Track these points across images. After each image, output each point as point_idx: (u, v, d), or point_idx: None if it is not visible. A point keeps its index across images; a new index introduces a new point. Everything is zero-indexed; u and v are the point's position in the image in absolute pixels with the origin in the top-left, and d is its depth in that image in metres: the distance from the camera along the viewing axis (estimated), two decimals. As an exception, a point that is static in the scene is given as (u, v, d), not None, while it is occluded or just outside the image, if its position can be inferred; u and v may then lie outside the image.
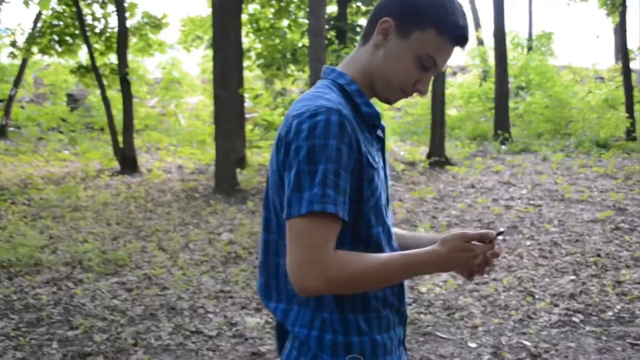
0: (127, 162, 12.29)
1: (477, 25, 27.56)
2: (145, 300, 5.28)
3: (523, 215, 7.93)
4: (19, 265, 6.13)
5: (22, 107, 20.87)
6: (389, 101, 1.59)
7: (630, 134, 14.89)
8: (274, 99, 14.06)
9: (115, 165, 12.59)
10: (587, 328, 4.54)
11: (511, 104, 17.59)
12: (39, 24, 16.40)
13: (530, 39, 27.04)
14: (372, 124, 1.55)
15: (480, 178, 10.61)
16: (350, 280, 1.39)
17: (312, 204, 1.35)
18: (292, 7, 16.53)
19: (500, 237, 1.47)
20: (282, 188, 1.44)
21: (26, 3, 15.29)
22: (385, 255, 1.44)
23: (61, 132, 17.83)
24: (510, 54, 20.76)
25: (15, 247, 6.60)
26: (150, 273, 5.99)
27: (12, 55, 16.45)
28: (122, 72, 12.77)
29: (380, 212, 1.51)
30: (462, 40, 1.52)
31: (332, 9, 16.20)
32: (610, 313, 4.79)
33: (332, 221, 1.37)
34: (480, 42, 25.66)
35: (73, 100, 21.59)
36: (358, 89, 1.54)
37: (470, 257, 1.43)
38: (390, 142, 14.97)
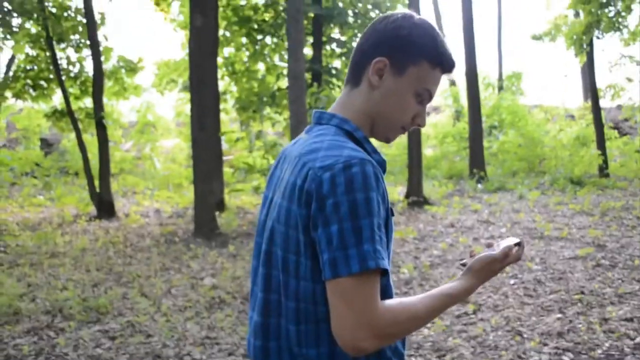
0: (104, 206, 12.15)
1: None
2: (129, 349, 5.17)
3: (505, 253, 7.97)
4: (-3, 315, 5.98)
5: (-5, 152, 20.64)
6: (389, 140, 1.59)
7: (602, 171, 15.14)
8: (252, 142, 14.10)
9: (92, 210, 12.44)
10: (578, 367, 4.53)
11: (485, 143, 17.83)
12: (13, 68, 16.35)
13: (500, 79, 27.57)
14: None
15: (459, 217, 10.67)
16: (402, 330, 1.38)
17: (365, 261, 1.30)
18: (267, 51, 16.70)
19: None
20: (306, 245, 1.38)
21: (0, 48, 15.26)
22: (424, 296, 1.43)
23: (35, 177, 17.63)
24: (482, 94, 21.10)
25: (-8, 296, 6.44)
26: (133, 320, 5.88)
27: (-15, 100, 16.32)
28: (98, 116, 12.72)
29: (390, 259, 1.50)
30: (452, 67, 1.55)
31: (307, 51, 16.40)
32: (599, 351, 4.80)
33: (378, 276, 1.34)
34: (452, 82, 26.07)
35: (47, 145, 21.41)
36: (364, 136, 1.52)
37: (499, 271, 1.59)
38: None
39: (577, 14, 17.16)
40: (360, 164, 1.35)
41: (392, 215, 1.46)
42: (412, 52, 1.50)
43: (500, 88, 26.47)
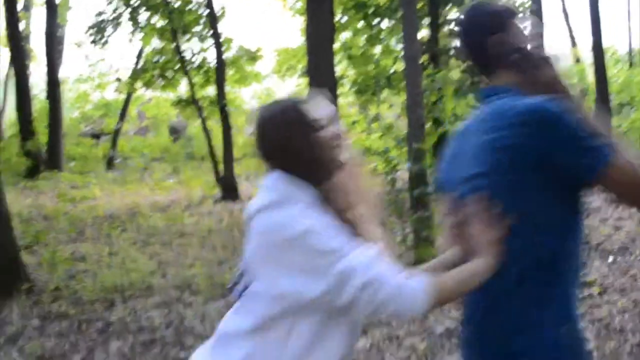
0: (228, 189, 12.60)
1: (573, 44, 26.79)
2: (252, 323, 5.37)
3: (634, 236, 7.59)
4: (131, 289, 6.39)
5: (128, 140, 21.92)
6: None
7: None
8: (369, 125, 14.15)
9: (217, 192, 12.93)
10: None
11: (614, 122, 16.95)
12: (142, 60, 17.25)
13: (631, 53, 26.03)
14: None
15: (586, 199, 10.24)
16: None
17: (609, 151, 1.59)
18: (383, 34, 16.65)
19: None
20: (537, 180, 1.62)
21: (130, 41, 16.16)
22: None
23: (164, 162, 18.55)
24: (610, 71, 20.04)
25: (127, 272, 6.89)
26: (255, 296, 6.10)
27: (118, 91, 17.36)
28: (221, 103, 13.18)
29: None
30: None
31: (424, 33, 16.19)
32: None
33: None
34: (577, 59, 24.94)
35: (174, 132, 22.47)
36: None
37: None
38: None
39: None
40: (553, 99, 1.61)
41: None
42: None
43: (631, 63, 24.99)
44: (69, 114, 23.77)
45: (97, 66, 19.26)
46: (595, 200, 10.03)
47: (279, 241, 1.63)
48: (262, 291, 1.68)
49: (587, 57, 22.70)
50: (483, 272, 1.64)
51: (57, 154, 16.79)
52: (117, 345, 4.96)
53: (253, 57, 16.55)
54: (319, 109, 1.77)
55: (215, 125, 16.00)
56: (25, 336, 5.22)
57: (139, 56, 18.09)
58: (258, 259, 1.70)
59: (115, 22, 14.95)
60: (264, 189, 1.76)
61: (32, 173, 15.71)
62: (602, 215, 8.87)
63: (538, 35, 1.80)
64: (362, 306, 1.57)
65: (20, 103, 16.34)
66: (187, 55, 14.86)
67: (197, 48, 15.36)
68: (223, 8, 15.28)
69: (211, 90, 15.36)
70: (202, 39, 15.20)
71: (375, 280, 1.56)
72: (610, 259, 6.74)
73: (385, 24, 16.71)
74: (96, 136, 22.37)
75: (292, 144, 1.71)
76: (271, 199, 1.71)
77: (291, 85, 24.50)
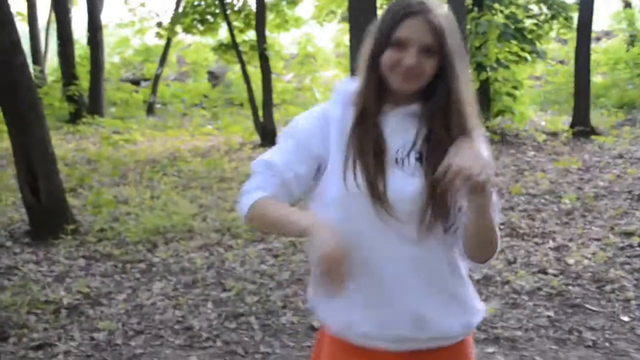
0: (268, 135, 12.64)
1: (624, -13, 25.81)
2: (291, 266, 5.48)
3: (679, 186, 7.46)
4: (173, 232, 6.54)
5: (168, 85, 22.04)
6: None
7: None
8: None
9: (256, 138, 13.00)
10: None
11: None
12: (182, 5, 17.21)
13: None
14: None
15: (629, 148, 10.05)
16: None
17: None
18: (426, -24, 16.26)
19: None
20: None
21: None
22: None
23: (204, 108, 18.65)
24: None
25: (169, 215, 7.03)
26: (295, 240, 6.19)
27: (159, 35, 17.38)
28: (261, 48, 13.11)
29: None
30: None
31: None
32: None
33: None
34: (627, 4, 24.06)
35: (213, 77, 22.50)
36: None
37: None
38: (530, 112, 14.43)
39: None
40: None
41: None
42: None
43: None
44: (110, 59, 23.94)
45: (137, 11, 19.27)
46: (637, 150, 9.85)
47: None
48: None
49: (638, 1, 21.95)
50: (297, 229, 1.57)
51: (99, 99, 16.97)
52: (160, 286, 5.11)
53: (293, 0, 16.38)
54: (416, 32, 1.61)
55: (254, 71, 15.98)
56: (72, 275, 5.41)
57: (179, 0, 18.04)
58: None
59: (155, -35, 14.88)
60: None
61: (74, 118, 15.93)
62: (646, 165, 8.72)
63: None
64: None
65: (62, 48, 16.47)
66: (227, -1, 14.77)
67: (237, -9, 15.26)
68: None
69: (251, 35, 15.28)
70: (242, -19, 15.08)
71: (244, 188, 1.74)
72: None
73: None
74: (136, 82, 22.54)
75: (370, 32, 1.72)
76: None
77: (331, 31, 24.19)
